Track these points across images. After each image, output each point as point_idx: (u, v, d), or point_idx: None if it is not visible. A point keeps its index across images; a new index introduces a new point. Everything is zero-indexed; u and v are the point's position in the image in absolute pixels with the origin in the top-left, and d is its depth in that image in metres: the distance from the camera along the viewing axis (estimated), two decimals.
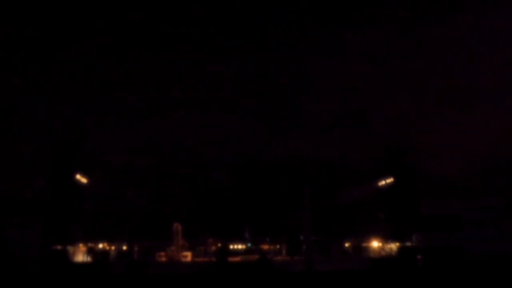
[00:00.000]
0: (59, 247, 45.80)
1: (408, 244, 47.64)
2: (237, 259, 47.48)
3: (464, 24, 51.03)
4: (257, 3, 51.90)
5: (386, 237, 49.71)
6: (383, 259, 47.19)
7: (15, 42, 50.29)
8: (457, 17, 51.73)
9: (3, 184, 47.24)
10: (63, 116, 51.29)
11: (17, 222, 44.65)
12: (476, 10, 51.04)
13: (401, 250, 47.76)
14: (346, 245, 51.11)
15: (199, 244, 50.00)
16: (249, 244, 50.90)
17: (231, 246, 50.50)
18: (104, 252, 47.95)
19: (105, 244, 48.91)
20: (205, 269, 43.43)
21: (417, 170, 49.63)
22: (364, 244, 50.63)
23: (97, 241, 48.93)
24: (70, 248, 46.53)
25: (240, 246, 50.80)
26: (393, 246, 48.78)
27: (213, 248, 49.64)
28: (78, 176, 48.40)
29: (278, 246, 50.83)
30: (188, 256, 47.99)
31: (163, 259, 47.67)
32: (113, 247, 48.72)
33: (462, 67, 51.99)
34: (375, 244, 49.93)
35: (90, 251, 48.02)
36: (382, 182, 51.17)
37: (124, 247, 48.43)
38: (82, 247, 47.92)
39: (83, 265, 46.14)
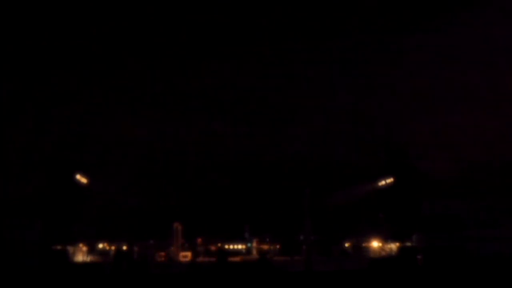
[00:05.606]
0: (59, 247, 45.81)
1: (408, 244, 47.66)
2: (237, 259, 47.46)
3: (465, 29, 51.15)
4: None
5: (386, 237, 49.71)
6: (383, 259, 47.20)
7: (14, 39, 50.25)
8: (457, 19, 51.80)
9: (3, 184, 47.20)
10: (63, 116, 51.20)
11: (17, 222, 44.67)
12: (475, 17, 51.08)
13: (401, 250, 47.78)
14: (346, 245, 51.06)
15: (199, 244, 49.93)
16: (249, 244, 50.85)
17: (231, 246, 50.45)
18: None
19: (105, 244, 48.90)
20: (205, 269, 43.47)
21: (417, 170, 49.68)
22: (364, 244, 50.58)
23: (97, 241, 48.92)
24: (70, 248, 46.52)
25: (240, 246, 50.75)
26: (393, 246, 48.78)
27: (213, 248, 49.58)
28: (78, 176, 48.45)
29: (278, 246, 50.81)
30: (188, 256, 47.93)
31: (163, 259, 47.61)
32: (113, 247, 48.66)
33: (462, 67, 52.01)
34: (375, 244, 49.92)
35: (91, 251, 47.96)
36: (382, 182, 51.20)
37: (124, 247, 48.34)
38: (82, 247, 47.89)
39: (84, 265, 46.10)
